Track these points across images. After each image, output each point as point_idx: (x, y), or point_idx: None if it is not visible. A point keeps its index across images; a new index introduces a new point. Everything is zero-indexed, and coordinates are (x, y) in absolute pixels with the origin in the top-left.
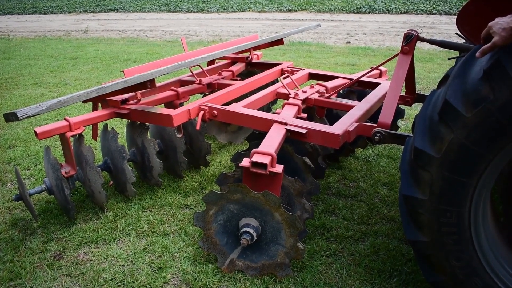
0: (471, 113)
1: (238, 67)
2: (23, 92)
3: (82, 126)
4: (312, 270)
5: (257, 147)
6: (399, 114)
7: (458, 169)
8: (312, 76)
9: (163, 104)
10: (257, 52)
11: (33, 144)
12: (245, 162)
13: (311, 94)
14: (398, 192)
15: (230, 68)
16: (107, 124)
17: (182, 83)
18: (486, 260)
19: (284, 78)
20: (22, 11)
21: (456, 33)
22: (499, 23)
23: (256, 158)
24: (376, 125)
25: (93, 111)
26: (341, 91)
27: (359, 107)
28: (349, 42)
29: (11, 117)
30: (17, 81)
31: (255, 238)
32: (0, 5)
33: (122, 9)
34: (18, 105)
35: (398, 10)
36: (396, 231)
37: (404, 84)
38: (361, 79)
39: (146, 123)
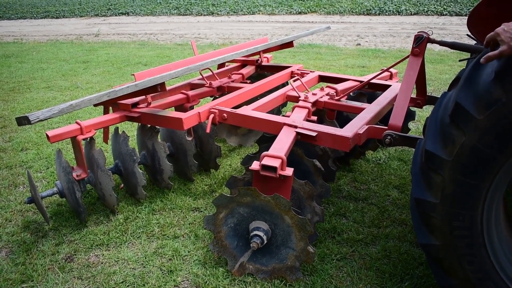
0: (483, 116)
1: (248, 70)
2: (36, 96)
3: (93, 129)
4: (322, 274)
5: (267, 150)
6: (410, 116)
7: (470, 172)
8: (322, 78)
9: (173, 107)
10: (267, 55)
11: (45, 147)
12: (255, 165)
13: (321, 97)
14: (409, 195)
15: (240, 71)
16: (118, 128)
17: (192, 86)
18: (499, 263)
19: (294, 80)
20: (35, 15)
21: (467, 35)
22: (508, 32)
23: (266, 161)
24: (386, 127)
25: (104, 114)
26: (351, 94)
27: (370, 110)
28: (359, 44)
29: (23, 120)
30: (30, 85)
31: (265, 242)
32: (13, 9)
33: (133, 13)
34: (30, 108)
35: (409, 11)
36: (407, 234)
37: (415, 86)
38: (371, 81)
39: (157, 126)
